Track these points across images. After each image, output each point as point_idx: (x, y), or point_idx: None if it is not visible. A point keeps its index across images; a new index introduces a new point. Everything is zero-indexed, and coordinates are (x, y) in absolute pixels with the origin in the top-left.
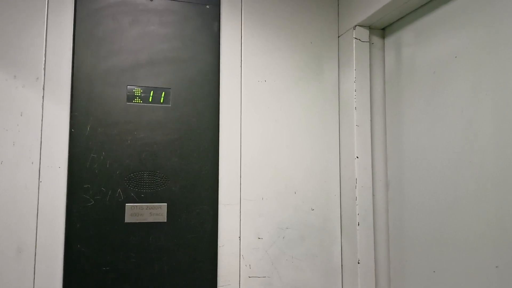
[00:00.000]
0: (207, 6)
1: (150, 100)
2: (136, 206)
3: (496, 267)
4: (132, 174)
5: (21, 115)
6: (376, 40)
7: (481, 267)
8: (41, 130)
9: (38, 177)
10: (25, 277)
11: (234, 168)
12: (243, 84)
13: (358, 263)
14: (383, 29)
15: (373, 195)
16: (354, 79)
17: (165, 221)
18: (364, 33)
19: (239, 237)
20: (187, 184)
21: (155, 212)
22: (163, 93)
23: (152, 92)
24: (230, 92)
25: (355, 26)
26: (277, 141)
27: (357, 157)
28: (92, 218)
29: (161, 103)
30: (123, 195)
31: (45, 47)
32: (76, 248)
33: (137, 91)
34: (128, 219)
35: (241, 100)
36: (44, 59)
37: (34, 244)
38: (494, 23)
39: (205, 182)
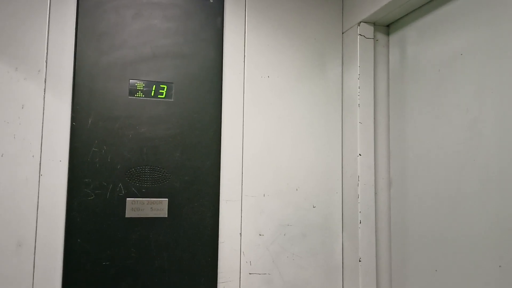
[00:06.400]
0: (211, 1)
1: (152, 94)
2: (137, 201)
3: (499, 266)
4: (133, 169)
5: (22, 108)
6: (381, 37)
7: (483, 267)
8: (42, 123)
9: (38, 170)
10: (24, 271)
11: (236, 164)
12: (246, 79)
13: (360, 261)
14: (388, 26)
15: (376, 193)
16: (358, 76)
17: (166, 216)
18: (369, 29)
19: (240, 234)
20: (188, 179)
21: (156, 207)
22: (166, 87)
23: (154, 86)
24: (232, 87)
25: (360, 22)
26: (279, 137)
27: (360, 155)
28: (92, 213)
29: (164, 98)
30: (124, 190)
31: (47, 40)
32: (76, 243)
33: (139, 85)
34: (128, 214)
35: (243, 95)
36: (46, 52)
37: (34, 238)
38: (500, 20)
39: (206, 177)
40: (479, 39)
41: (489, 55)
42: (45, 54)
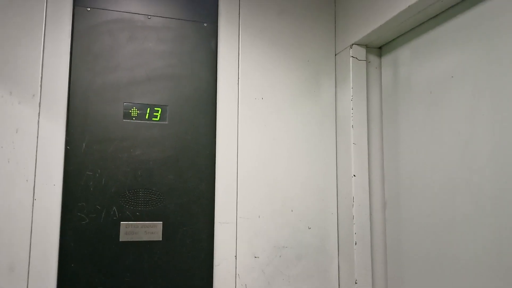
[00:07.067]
0: (205, 24)
1: (146, 117)
2: (131, 224)
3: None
4: (127, 192)
5: (17, 132)
6: (373, 58)
7: (478, 287)
8: (37, 147)
9: (32, 194)
10: None
11: (230, 186)
12: (240, 101)
13: (356, 283)
14: (380, 47)
15: (370, 214)
16: (351, 97)
17: (160, 239)
18: (361, 51)
19: (235, 256)
20: (183, 202)
21: (150, 230)
22: (160, 110)
23: (148, 109)
24: (227, 109)
25: (352, 44)
26: (274, 159)
27: (354, 175)
28: (86, 237)
29: (158, 120)
30: (118, 213)
31: (42, 64)
32: (69, 267)
33: (134, 108)
34: (123, 237)
35: (238, 117)
36: (40, 75)
37: (27, 263)
38: (490, 43)
39: (201, 200)
40: (470, 61)
41: (480, 77)
42: (40, 78)
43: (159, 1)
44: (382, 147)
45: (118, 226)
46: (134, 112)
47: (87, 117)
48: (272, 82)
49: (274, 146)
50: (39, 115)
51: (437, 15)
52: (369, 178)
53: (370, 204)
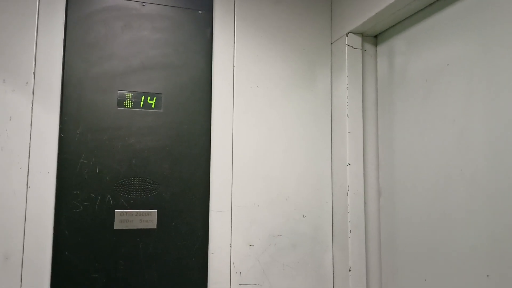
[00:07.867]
0: (200, 12)
1: (141, 105)
2: (126, 212)
3: (487, 276)
4: (122, 180)
5: (10, 120)
6: (369, 47)
7: (472, 276)
8: (30, 135)
9: (26, 182)
10: (11, 285)
11: (225, 174)
12: (235, 90)
13: (350, 270)
14: (376, 36)
15: (365, 202)
16: (347, 86)
17: (155, 228)
18: (357, 40)
19: (230, 245)
20: (178, 190)
21: (145, 218)
22: (155, 98)
23: (143, 97)
24: (222, 98)
25: (348, 33)
26: (269, 147)
27: (349, 164)
28: (81, 225)
29: (153, 109)
30: (112, 201)
31: (35, 52)
32: (64, 255)
33: (128, 96)
34: (117, 225)
35: (233, 106)
36: (34, 63)
37: (22, 251)
38: (486, 31)
39: (196, 188)
40: (465, 50)
41: (476, 65)
42: (33, 66)
43: None
44: (377, 135)
45: (112, 214)
46: (129, 100)
47: (81, 105)
48: (267, 70)
49: (269, 135)
50: (32, 103)
51: (433, 3)
52: (364, 167)
53: (364, 193)
